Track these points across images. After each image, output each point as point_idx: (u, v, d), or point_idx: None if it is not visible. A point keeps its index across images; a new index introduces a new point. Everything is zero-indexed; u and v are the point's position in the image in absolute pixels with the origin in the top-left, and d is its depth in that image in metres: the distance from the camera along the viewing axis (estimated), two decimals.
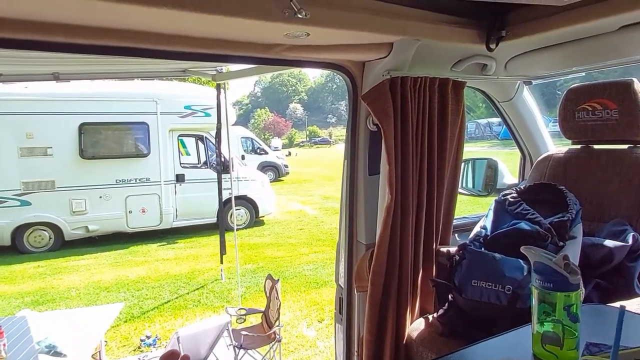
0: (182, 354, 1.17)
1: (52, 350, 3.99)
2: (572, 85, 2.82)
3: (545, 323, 1.33)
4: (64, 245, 11.52)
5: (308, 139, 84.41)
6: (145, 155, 11.90)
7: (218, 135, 8.20)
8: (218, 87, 7.39)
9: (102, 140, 11.62)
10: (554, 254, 1.36)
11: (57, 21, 1.72)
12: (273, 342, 4.91)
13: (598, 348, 1.19)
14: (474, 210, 6.64)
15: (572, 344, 1.29)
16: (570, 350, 1.29)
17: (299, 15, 1.75)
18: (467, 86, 2.83)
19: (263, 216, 14.23)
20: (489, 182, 3.64)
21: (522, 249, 1.44)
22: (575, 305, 1.30)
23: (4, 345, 3.78)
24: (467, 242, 2.47)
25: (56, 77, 4.43)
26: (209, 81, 7.39)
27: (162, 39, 1.96)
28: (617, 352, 1.05)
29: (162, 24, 1.84)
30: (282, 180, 25.39)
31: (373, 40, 2.25)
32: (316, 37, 2.06)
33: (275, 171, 25.17)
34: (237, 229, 8.30)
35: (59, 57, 3.38)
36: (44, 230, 11.36)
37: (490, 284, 2.15)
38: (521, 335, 1.48)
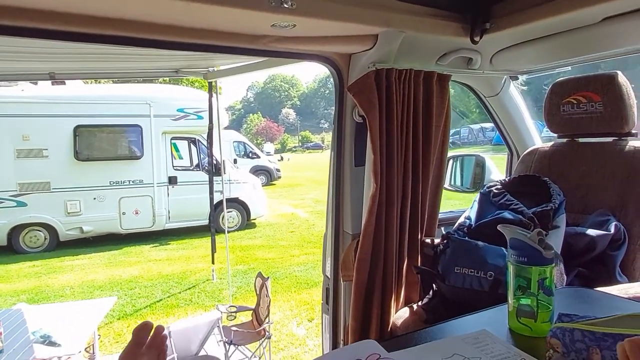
0: (155, 325, 1.18)
1: (46, 340, 4.07)
2: (558, 79, 2.85)
3: (521, 298, 1.37)
4: (58, 245, 11.57)
5: (300, 144, 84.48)
6: (138, 158, 11.94)
7: (210, 136, 8.21)
8: (210, 85, 7.40)
9: (96, 143, 11.67)
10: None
11: (49, 8, 1.74)
12: (263, 339, 4.94)
13: (569, 318, 1.22)
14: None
15: (545, 316, 1.34)
16: (544, 323, 1.34)
17: (285, 5, 1.79)
18: (454, 81, 2.87)
19: (255, 219, 14.25)
20: (477, 179, 3.66)
21: (499, 227, 1.48)
22: (548, 279, 1.34)
23: (1, 334, 3.89)
24: (451, 231, 2.51)
25: (52, 76, 4.45)
26: (203, 85, 7.39)
27: (153, 29, 1.99)
28: None
29: (152, 12, 1.86)
30: (274, 184, 25.38)
31: (358, 32, 2.28)
32: (302, 28, 2.09)
33: (267, 175, 25.14)
34: (229, 231, 8.31)
35: (53, 53, 3.40)
36: (40, 231, 11.41)
37: (472, 270, 2.17)
38: (497, 312, 1.53)
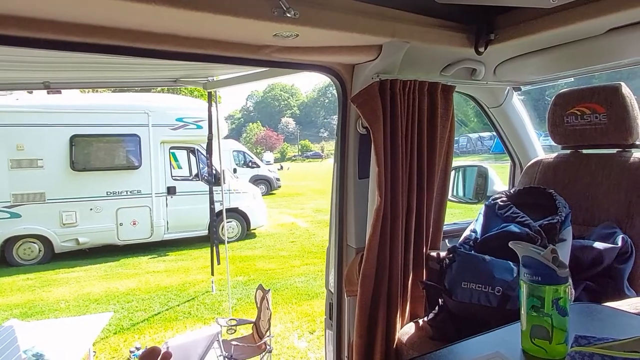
0: (162, 351, 1.13)
1: (39, 359, 3.94)
2: (561, 90, 2.83)
3: (534, 319, 1.33)
4: (53, 257, 11.39)
5: (300, 153, 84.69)
6: (136, 168, 11.83)
7: (209, 146, 8.16)
8: (209, 95, 7.35)
9: (93, 152, 11.53)
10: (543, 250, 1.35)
11: (46, 18, 1.71)
12: (264, 353, 4.87)
13: (587, 340, 1.18)
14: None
15: (560, 337, 1.29)
16: (560, 344, 1.29)
17: (288, 15, 1.75)
18: (457, 92, 2.84)
19: (254, 229, 14.17)
20: (480, 190, 3.65)
21: (511, 244, 1.44)
22: (563, 299, 1.30)
23: None
24: (457, 245, 2.47)
25: (46, 85, 4.40)
26: (202, 94, 7.36)
27: (152, 38, 1.94)
28: None
29: (152, 22, 1.82)
30: (274, 194, 25.33)
31: (362, 42, 2.25)
32: (305, 38, 2.05)
33: (267, 184, 25.11)
34: (229, 242, 8.23)
35: (48, 62, 3.35)
36: (34, 243, 11.23)
37: (480, 285, 2.14)
38: (510, 331, 1.48)
